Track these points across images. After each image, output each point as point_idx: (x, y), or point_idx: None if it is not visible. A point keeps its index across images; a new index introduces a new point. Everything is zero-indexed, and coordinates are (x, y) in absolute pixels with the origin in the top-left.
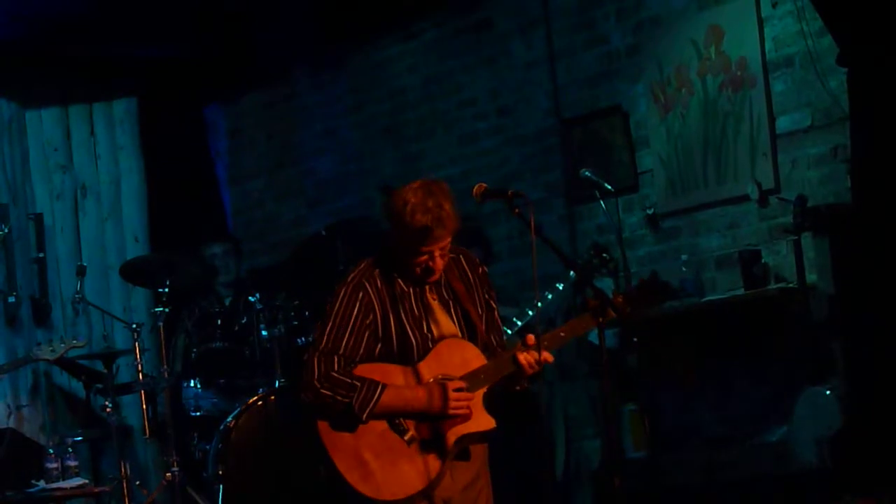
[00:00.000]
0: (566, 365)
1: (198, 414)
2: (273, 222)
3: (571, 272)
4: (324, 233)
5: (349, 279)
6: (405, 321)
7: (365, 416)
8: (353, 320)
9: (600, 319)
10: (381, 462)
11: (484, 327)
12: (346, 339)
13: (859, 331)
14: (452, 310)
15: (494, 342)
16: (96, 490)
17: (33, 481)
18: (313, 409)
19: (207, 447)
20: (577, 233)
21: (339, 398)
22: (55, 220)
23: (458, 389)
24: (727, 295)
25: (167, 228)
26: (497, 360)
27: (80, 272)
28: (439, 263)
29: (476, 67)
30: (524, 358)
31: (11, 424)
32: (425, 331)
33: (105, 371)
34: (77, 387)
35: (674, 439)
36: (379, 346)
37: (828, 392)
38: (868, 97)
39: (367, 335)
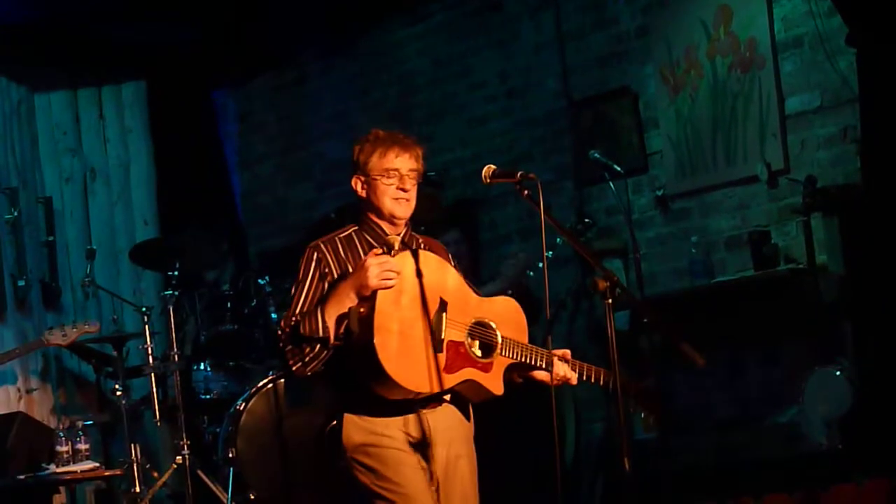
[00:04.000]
0: (576, 347)
1: (208, 397)
2: (282, 205)
3: (558, 238)
4: (333, 215)
5: (309, 245)
6: None
7: (321, 330)
8: (308, 282)
9: (608, 301)
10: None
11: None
12: (301, 300)
13: (869, 311)
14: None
15: None
16: (107, 473)
17: (44, 465)
18: (292, 369)
19: (218, 430)
20: (586, 214)
21: (299, 344)
22: (64, 203)
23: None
24: (737, 276)
25: (176, 212)
26: (537, 348)
27: (90, 256)
28: (408, 184)
29: (485, 50)
30: (560, 369)
31: (22, 408)
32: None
33: (115, 354)
34: (87, 370)
35: (684, 421)
36: None
37: (838, 373)
38: (877, 78)
39: (323, 292)
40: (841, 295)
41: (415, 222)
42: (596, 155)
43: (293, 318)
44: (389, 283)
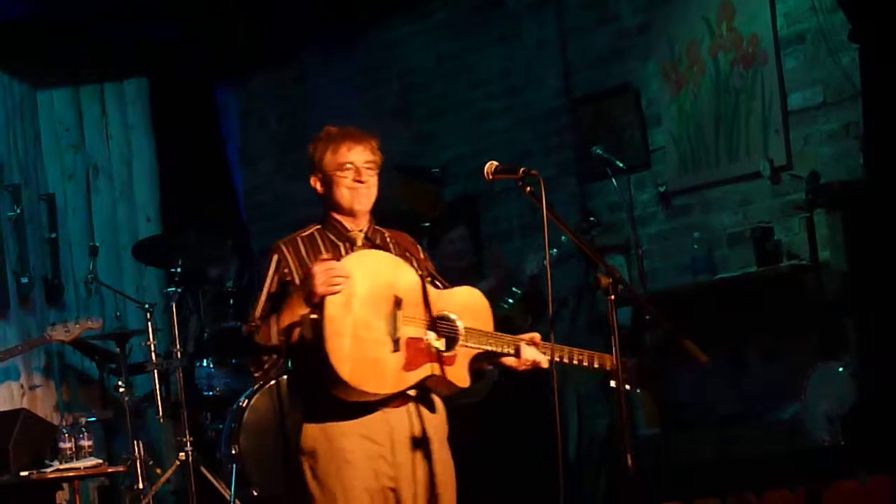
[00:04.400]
0: (578, 343)
1: (211, 394)
2: (284, 202)
3: (563, 237)
4: None
5: (270, 246)
6: None
7: (274, 339)
8: (267, 285)
9: (611, 297)
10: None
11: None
12: (260, 305)
13: (872, 308)
14: None
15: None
16: (110, 470)
17: (47, 461)
18: (254, 375)
19: (220, 427)
20: (591, 213)
21: (257, 353)
22: (67, 200)
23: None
24: (739, 272)
25: (179, 209)
26: (502, 334)
27: (93, 252)
28: (364, 177)
29: (487, 47)
30: (528, 353)
31: (25, 405)
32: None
33: (118, 351)
34: (90, 367)
35: (686, 417)
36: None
37: (840, 369)
38: (880, 74)
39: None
40: (844, 291)
41: (417, 219)
42: (598, 151)
43: (252, 325)
44: (336, 288)
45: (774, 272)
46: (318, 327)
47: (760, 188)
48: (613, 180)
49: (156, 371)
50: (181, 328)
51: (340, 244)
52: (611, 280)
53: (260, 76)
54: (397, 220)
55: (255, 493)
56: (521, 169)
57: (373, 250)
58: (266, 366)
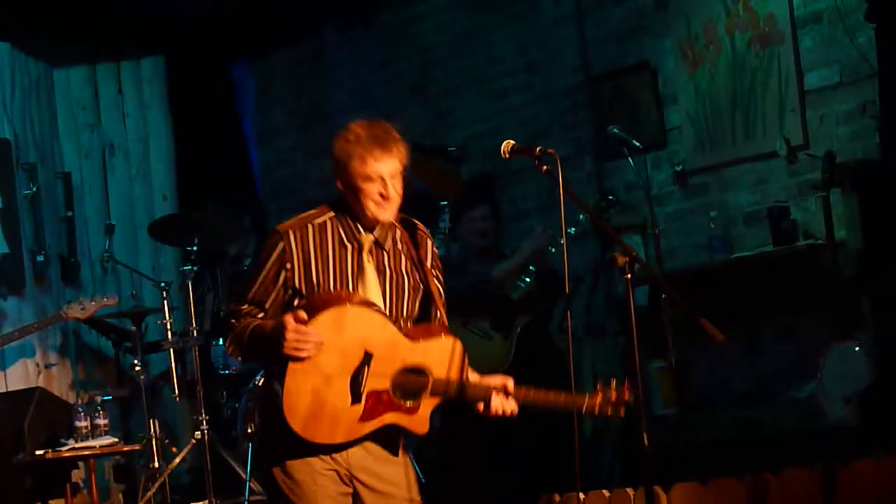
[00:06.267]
0: (595, 322)
1: (227, 372)
2: (301, 180)
3: (581, 215)
4: None
5: (277, 227)
6: (332, 275)
7: (243, 354)
8: (265, 272)
9: (628, 276)
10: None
11: (415, 299)
12: (254, 289)
13: (888, 287)
14: (387, 279)
15: (433, 315)
16: (125, 448)
17: (63, 440)
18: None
19: (236, 405)
20: (605, 189)
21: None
22: (83, 178)
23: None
24: (756, 252)
25: (195, 186)
26: (474, 385)
27: (109, 231)
28: (391, 192)
29: (505, 24)
30: (497, 404)
31: (41, 383)
32: (351, 290)
33: (134, 329)
34: (106, 345)
35: (703, 396)
36: (297, 299)
37: (856, 348)
38: None
39: (277, 285)
40: (859, 270)
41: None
42: (615, 130)
43: (234, 313)
44: (302, 354)
45: (790, 251)
46: (281, 376)
47: (777, 168)
48: (630, 160)
49: (172, 349)
50: (197, 306)
51: (349, 244)
52: (627, 259)
53: (277, 53)
54: (415, 199)
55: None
56: (538, 148)
57: (354, 308)
58: (231, 350)
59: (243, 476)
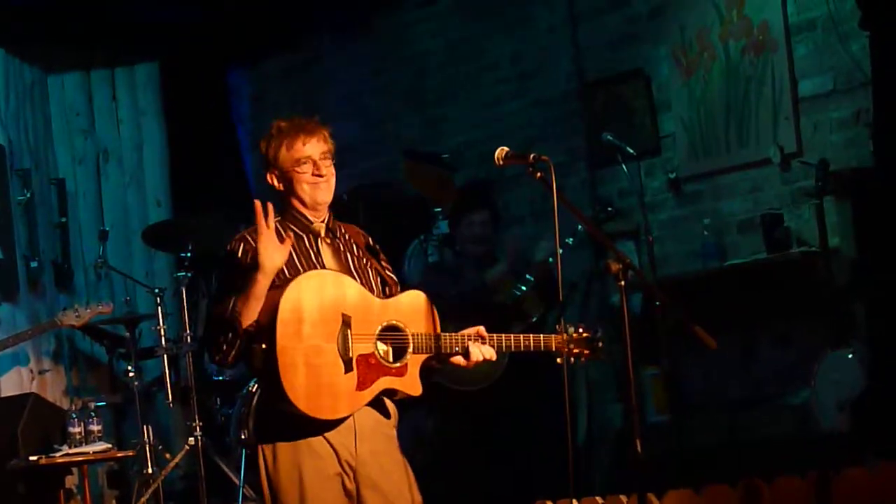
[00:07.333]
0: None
1: (220, 378)
2: None
3: (579, 226)
4: (345, 197)
5: (234, 237)
6: (297, 261)
7: (241, 319)
8: (236, 268)
9: (621, 283)
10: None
11: (377, 278)
12: (228, 287)
13: (881, 294)
14: (347, 259)
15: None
16: (119, 454)
17: (56, 446)
18: (215, 359)
19: (230, 412)
20: (598, 196)
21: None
22: (77, 184)
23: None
24: (749, 259)
25: (189, 193)
26: (449, 336)
27: (103, 237)
28: (324, 170)
29: (498, 31)
30: (475, 351)
31: (34, 389)
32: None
33: (128, 336)
34: (100, 351)
35: (696, 403)
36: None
37: (850, 355)
38: (890, 61)
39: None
40: (853, 278)
41: (428, 204)
42: (609, 137)
43: (221, 305)
44: (263, 232)
45: (784, 259)
46: (270, 359)
47: (770, 175)
48: (624, 167)
49: (165, 355)
50: (191, 312)
51: (304, 236)
52: (621, 266)
53: (271, 60)
54: (409, 205)
55: None
56: (532, 154)
57: (317, 271)
58: (224, 347)
59: (236, 482)
